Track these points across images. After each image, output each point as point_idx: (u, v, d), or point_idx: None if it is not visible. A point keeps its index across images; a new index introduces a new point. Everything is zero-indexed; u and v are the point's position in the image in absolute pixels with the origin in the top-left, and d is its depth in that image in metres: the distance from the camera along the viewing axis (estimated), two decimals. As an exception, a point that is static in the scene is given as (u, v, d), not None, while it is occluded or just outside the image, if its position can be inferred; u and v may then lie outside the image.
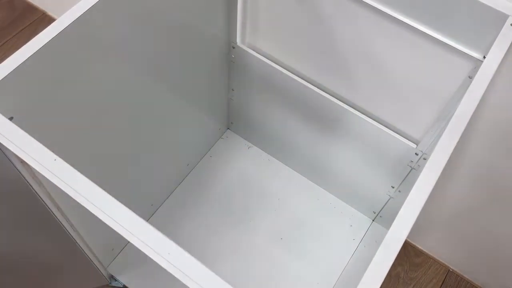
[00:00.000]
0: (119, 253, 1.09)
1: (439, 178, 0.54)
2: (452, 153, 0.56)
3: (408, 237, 1.24)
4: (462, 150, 0.91)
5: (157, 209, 1.16)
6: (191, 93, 1.03)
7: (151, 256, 0.46)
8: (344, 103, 0.96)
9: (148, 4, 0.74)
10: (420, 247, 1.27)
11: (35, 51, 0.59)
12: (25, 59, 0.58)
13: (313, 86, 0.97)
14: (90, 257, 0.90)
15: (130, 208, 1.07)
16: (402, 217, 0.52)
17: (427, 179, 0.54)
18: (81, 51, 0.67)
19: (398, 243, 0.50)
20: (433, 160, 0.55)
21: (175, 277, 0.45)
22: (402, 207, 0.53)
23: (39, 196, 0.66)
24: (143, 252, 0.46)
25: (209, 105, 1.15)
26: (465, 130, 0.57)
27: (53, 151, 0.52)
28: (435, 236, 1.21)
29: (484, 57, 0.68)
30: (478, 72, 0.62)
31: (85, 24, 0.64)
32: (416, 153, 0.92)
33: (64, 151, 0.59)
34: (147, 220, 1.15)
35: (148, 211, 1.14)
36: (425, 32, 0.74)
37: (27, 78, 0.60)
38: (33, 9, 1.63)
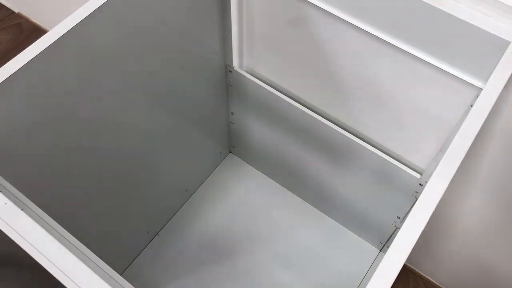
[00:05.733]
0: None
1: (448, 208, 0.51)
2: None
3: (420, 269, 1.21)
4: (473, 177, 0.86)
5: (154, 237, 1.13)
6: (189, 116, 1.01)
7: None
8: (346, 130, 0.92)
9: (140, 28, 0.73)
10: (431, 279, 1.21)
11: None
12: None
13: (313, 113, 0.93)
14: None
15: (125, 234, 1.05)
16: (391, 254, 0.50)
17: (419, 213, 0.52)
18: (74, 73, 0.66)
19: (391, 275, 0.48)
20: (426, 194, 0.53)
21: None
22: (391, 246, 0.50)
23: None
24: None
25: (208, 129, 1.12)
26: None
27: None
28: (448, 268, 1.15)
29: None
30: (477, 102, 0.58)
31: (78, 46, 0.63)
32: (420, 184, 0.87)
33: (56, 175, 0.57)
34: (143, 248, 1.12)
35: (144, 239, 1.11)
36: (425, 60, 0.71)
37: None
38: (41, 31, 1.64)
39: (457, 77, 0.69)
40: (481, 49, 0.64)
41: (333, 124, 0.92)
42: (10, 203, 0.49)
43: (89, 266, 0.46)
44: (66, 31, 0.60)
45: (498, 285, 1.07)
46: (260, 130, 1.11)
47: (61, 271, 0.45)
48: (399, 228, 1.02)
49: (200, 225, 1.16)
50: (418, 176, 0.87)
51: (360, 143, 0.90)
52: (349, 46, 0.79)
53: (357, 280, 1.11)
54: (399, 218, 0.99)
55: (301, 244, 1.15)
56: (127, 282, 0.52)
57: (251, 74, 0.99)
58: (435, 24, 0.66)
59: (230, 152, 1.27)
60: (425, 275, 1.22)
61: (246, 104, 1.06)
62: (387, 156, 0.89)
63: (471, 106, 0.68)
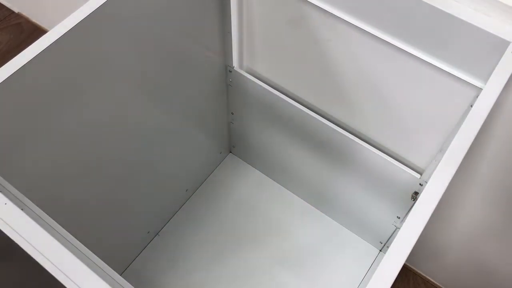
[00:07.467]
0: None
1: (448, 209, 0.51)
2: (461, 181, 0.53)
3: (418, 268, 1.21)
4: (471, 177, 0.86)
5: (154, 237, 1.13)
6: (189, 116, 1.01)
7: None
8: (346, 130, 0.92)
9: (140, 28, 0.73)
10: (431, 279, 1.20)
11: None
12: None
13: (313, 113, 0.93)
14: None
15: (125, 234, 1.04)
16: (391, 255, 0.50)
17: (419, 213, 0.52)
18: (74, 73, 0.66)
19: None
20: (426, 194, 0.53)
21: None
22: (389, 249, 0.50)
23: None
24: None
25: (208, 129, 1.12)
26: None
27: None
28: (447, 267, 1.15)
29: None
30: (477, 102, 0.58)
31: (78, 46, 0.63)
32: (420, 184, 0.87)
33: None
34: (143, 248, 1.12)
35: (144, 239, 1.11)
36: (425, 60, 0.71)
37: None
38: (41, 31, 1.64)
39: (457, 77, 0.69)
40: (481, 49, 0.64)
41: (333, 124, 0.92)
42: (10, 203, 0.49)
43: (89, 266, 0.45)
44: (66, 31, 0.60)
45: (498, 285, 1.06)
46: (260, 130, 1.11)
47: (61, 271, 0.45)
48: (399, 228, 1.03)
49: (200, 225, 1.16)
50: (418, 176, 0.87)
51: (360, 143, 0.90)
52: (349, 46, 0.79)
53: (357, 280, 1.10)
54: (399, 218, 0.99)
55: (301, 244, 1.14)
56: (127, 282, 0.52)
57: (251, 74, 0.99)
58: (435, 24, 0.66)
59: (230, 152, 1.27)
60: (425, 275, 1.22)
61: (246, 104, 1.06)
62: (387, 156, 0.89)
63: (471, 106, 0.68)
